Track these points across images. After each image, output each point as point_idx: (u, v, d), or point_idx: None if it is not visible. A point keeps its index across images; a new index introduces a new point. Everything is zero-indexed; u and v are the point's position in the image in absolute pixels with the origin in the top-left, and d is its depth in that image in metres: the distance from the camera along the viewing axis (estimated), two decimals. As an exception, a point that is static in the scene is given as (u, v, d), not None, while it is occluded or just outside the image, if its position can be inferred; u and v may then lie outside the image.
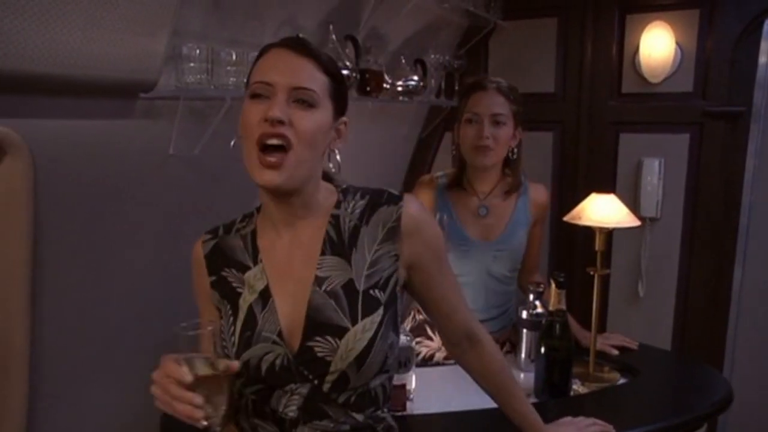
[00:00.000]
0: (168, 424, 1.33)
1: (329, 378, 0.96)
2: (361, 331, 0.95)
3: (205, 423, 0.87)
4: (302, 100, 0.94)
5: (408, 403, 1.45)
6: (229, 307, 1.02)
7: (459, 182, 1.82)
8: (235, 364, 0.91)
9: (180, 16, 1.37)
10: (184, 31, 1.47)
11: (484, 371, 1.20)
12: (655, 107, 2.50)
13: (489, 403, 1.26)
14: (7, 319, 1.29)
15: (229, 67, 1.56)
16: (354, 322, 0.96)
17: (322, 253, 1.00)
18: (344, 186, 1.07)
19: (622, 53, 2.54)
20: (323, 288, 0.98)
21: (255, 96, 0.95)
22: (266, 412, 0.99)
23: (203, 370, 0.88)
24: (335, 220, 1.03)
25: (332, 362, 0.94)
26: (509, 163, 1.81)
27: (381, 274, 1.00)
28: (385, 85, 2.15)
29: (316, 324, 0.96)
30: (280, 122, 0.92)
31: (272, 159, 0.93)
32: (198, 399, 0.85)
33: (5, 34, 1.06)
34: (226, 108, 1.55)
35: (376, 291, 0.99)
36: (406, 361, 1.43)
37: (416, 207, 1.04)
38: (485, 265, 1.80)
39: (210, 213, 1.77)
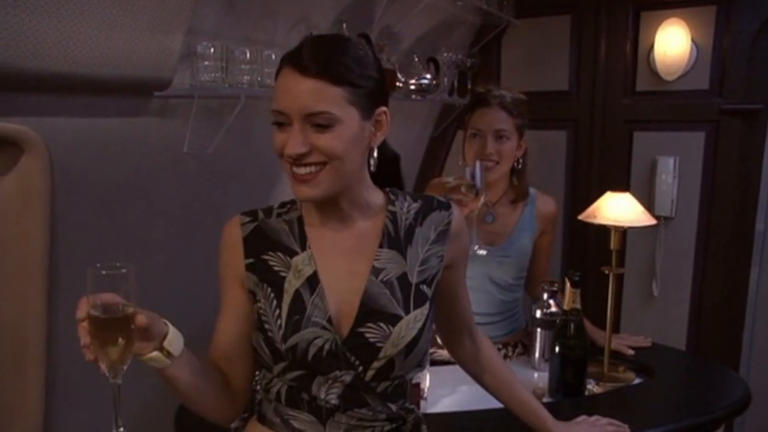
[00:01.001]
0: (181, 418, 1.34)
1: (376, 365, 0.97)
2: (413, 321, 0.99)
3: (102, 368, 0.85)
4: (318, 123, 0.92)
5: (422, 402, 1.44)
6: (270, 290, 1.00)
7: None
8: (141, 318, 0.85)
9: (195, 14, 1.38)
10: (199, 29, 1.47)
11: (488, 366, 1.24)
12: (670, 105, 2.47)
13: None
14: (24, 315, 1.31)
15: (243, 66, 1.56)
16: (407, 311, 0.99)
17: (380, 246, 1.03)
18: (387, 188, 1.09)
19: (637, 51, 2.52)
20: (380, 278, 1.01)
21: (277, 124, 0.95)
22: (302, 401, 0.99)
23: (96, 311, 0.83)
24: (393, 216, 1.05)
25: (383, 348, 0.97)
26: (515, 173, 1.84)
27: (429, 272, 1.04)
28: (398, 84, 2.15)
29: (369, 311, 0.98)
30: (300, 155, 0.92)
31: (304, 173, 0.93)
32: (83, 338, 0.84)
33: (22, 33, 1.07)
34: (240, 106, 1.56)
35: (424, 286, 1.03)
36: (419, 359, 1.43)
37: (460, 214, 1.11)
38: (488, 270, 1.82)
39: (223, 211, 1.77)
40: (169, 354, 0.91)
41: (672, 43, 2.39)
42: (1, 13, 1.02)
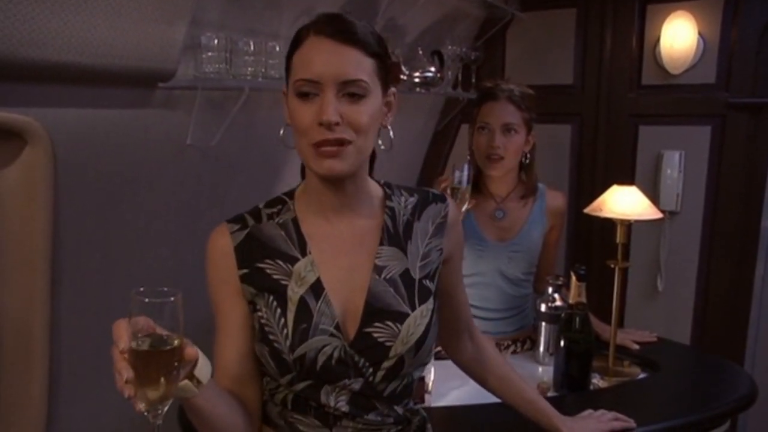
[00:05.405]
0: (184, 414, 1.33)
1: (386, 364, 0.95)
2: (420, 317, 0.98)
3: (141, 406, 0.76)
4: (352, 93, 0.90)
5: (426, 396, 1.44)
6: (272, 299, 0.96)
7: (476, 186, 1.83)
8: (192, 351, 0.79)
9: (198, 5, 1.37)
10: (203, 20, 1.47)
11: (490, 366, 1.22)
12: (676, 99, 2.45)
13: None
14: (28, 307, 1.31)
15: (247, 57, 1.55)
16: (413, 308, 0.98)
17: (381, 243, 1.01)
18: (382, 181, 1.07)
19: (643, 44, 2.49)
20: (382, 276, 0.99)
21: (302, 95, 0.91)
22: (309, 407, 0.97)
23: (140, 344, 0.73)
24: (391, 212, 1.03)
25: (392, 347, 0.95)
26: (523, 168, 1.83)
27: (431, 266, 1.03)
28: (402, 77, 2.14)
29: (375, 311, 0.96)
30: (335, 123, 0.89)
31: (330, 149, 0.90)
32: (126, 372, 0.73)
33: (26, 23, 1.06)
34: (244, 98, 1.55)
35: (427, 281, 1.02)
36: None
37: (455, 205, 1.10)
38: (499, 265, 1.82)
39: (227, 203, 1.77)
40: (198, 382, 0.84)
41: (678, 36, 2.37)
42: (4, 2, 1.02)
